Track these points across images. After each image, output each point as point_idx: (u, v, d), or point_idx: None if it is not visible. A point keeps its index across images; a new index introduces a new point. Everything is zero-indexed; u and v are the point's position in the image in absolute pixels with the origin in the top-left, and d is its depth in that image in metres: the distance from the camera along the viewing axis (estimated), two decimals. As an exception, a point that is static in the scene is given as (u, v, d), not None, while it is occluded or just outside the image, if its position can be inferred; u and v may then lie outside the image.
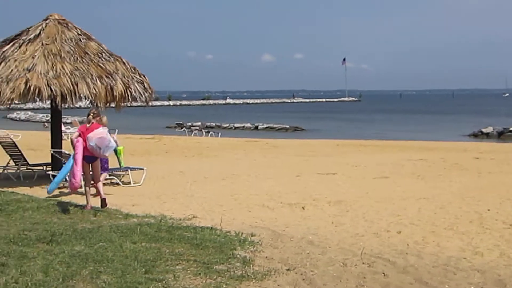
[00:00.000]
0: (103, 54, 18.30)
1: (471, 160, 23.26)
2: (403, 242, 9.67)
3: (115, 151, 15.37)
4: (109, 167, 15.55)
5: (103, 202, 12.06)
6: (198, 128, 58.17)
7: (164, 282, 7.04)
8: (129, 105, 18.80)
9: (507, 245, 9.56)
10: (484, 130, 53.75)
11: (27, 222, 10.25)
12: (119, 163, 16.42)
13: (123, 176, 16.92)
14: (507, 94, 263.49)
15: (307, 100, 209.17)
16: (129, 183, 16.31)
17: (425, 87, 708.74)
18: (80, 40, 18.14)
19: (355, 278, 7.55)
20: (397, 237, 10.07)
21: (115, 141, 14.56)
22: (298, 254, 8.55)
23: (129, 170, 16.86)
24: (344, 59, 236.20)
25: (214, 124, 70.47)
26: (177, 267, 7.64)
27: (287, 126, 69.52)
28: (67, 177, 13.88)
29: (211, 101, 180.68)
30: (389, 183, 16.99)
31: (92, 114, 13.21)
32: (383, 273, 7.82)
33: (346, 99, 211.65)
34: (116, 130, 26.07)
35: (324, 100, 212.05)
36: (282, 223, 11.04)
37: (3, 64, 16.68)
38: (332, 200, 13.77)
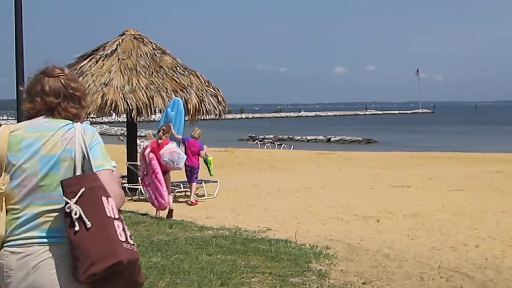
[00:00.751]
0: (178, 68, 18.54)
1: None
2: (481, 256, 9.49)
3: (206, 161, 16.00)
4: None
5: (170, 212, 12.43)
6: (270, 140, 58.16)
7: (240, 295, 7.07)
8: (202, 118, 18.99)
9: None
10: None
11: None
12: (209, 172, 16.84)
13: (197, 189, 17.04)
14: None
15: (380, 112, 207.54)
16: (203, 195, 16.43)
17: (501, 98, 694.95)
18: (155, 55, 18.41)
19: (433, 292, 7.46)
20: (475, 251, 9.89)
21: (206, 153, 15.32)
22: (374, 268, 8.46)
23: (203, 182, 17.02)
24: (418, 70, 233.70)
25: (286, 136, 70.33)
26: (252, 279, 7.62)
27: (360, 138, 69.07)
28: (152, 194, 14.05)
29: (283, 114, 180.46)
30: (465, 195, 16.69)
31: (162, 131, 13.67)
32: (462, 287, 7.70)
33: (419, 110, 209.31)
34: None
35: (397, 112, 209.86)
36: (357, 236, 10.96)
37: (80, 79, 17.01)
38: (407, 213, 13.61)
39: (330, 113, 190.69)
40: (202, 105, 17.90)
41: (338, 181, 20.66)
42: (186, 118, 17.58)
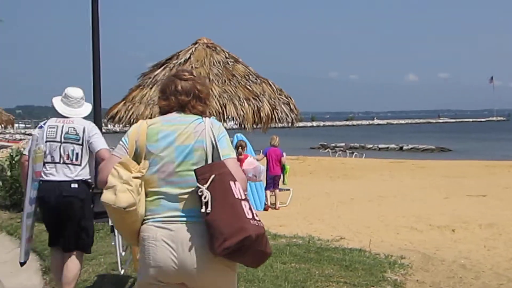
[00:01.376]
0: (250, 77, 18.62)
1: None
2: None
3: (283, 169, 16.36)
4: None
5: None
6: (342, 149, 57.96)
7: (315, 304, 7.07)
8: (273, 126, 19.06)
9: None
10: None
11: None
12: (283, 180, 17.04)
13: (270, 197, 17.11)
14: None
15: (453, 120, 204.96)
16: (275, 208, 16.51)
17: None
18: (228, 63, 18.53)
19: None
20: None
21: (285, 160, 15.76)
22: (450, 278, 8.36)
23: (276, 190, 17.10)
24: (492, 78, 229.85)
25: (358, 145, 69.75)
26: (327, 289, 7.64)
27: (433, 147, 68.04)
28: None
29: (354, 122, 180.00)
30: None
31: (240, 147, 13.89)
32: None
33: (493, 118, 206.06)
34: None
35: (470, 120, 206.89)
36: (432, 246, 10.83)
37: (154, 87, 17.27)
38: (483, 223, 13.39)
39: (402, 121, 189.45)
40: (275, 113, 17.93)
41: (411, 190, 20.48)
42: (259, 126, 17.70)
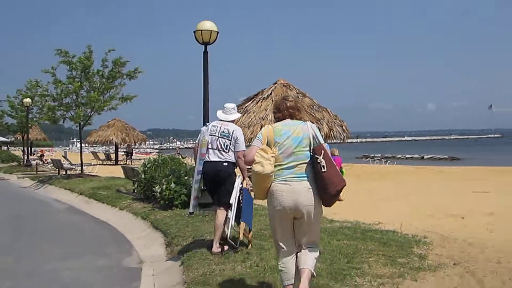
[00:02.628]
0: (314, 106, 18.68)
1: None
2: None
3: (341, 171, 16.44)
4: None
5: None
6: (379, 158, 57.44)
7: (361, 270, 6.96)
8: (329, 141, 18.98)
9: None
10: None
11: (262, 223, 10.41)
12: None
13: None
14: None
15: (461, 137, 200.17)
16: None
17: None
18: (298, 97, 18.58)
19: (508, 272, 7.06)
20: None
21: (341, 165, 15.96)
22: (461, 253, 8.13)
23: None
24: (491, 106, 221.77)
25: (390, 155, 69.31)
26: (370, 259, 7.51)
27: (446, 156, 67.41)
28: None
29: (388, 138, 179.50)
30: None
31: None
32: (532, 270, 7.27)
33: (492, 135, 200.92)
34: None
35: (474, 136, 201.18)
36: (447, 229, 10.56)
37: (245, 115, 17.45)
38: (486, 212, 13.08)
39: (423, 138, 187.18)
40: (331, 132, 17.94)
41: (431, 188, 20.13)
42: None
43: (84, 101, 23.77)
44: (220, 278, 6.86)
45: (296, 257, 5.46)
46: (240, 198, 8.12)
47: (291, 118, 5.55)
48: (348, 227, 10.18)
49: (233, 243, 8.17)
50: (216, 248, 8.02)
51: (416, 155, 71.05)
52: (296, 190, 5.24)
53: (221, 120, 8.38)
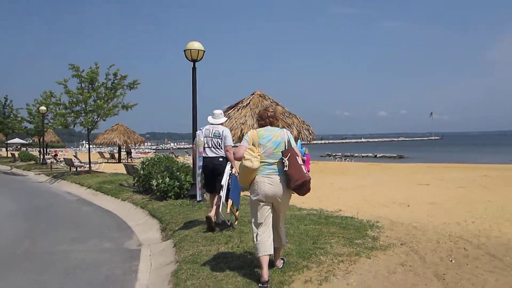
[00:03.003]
0: (285, 113, 18.66)
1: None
2: (476, 229, 9.02)
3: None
4: None
5: None
6: (340, 156, 57.71)
7: (324, 249, 6.97)
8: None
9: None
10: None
11: (243, 211, 10.41)
12: None
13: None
14: None
15: (407, 139, 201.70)
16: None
17: (493, 128, 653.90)
18: (272, 105, 18.58)
19: (446, 250, 7.14)
20: (472, 226, 9.43)
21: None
22: (407, 235, 8.20)
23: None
24: (431, 113, 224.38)
25: (349, 154, 69.71)
26: (331, 240, 7.53)
27: (395, 155, 67.86)
28: None
29: (347, 140, 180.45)
30: (465, 191, 15.99)
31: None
32: (464, 248, 7.34)
33: (433, 138, 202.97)
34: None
35: (418, 138, 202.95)
36: (396, 215, 10.63)
37: (228, 120, 17.39)
38: (427, 201, 13.19)
39: (376, 140, 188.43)
40: (300, 135, 17.93)
41: (383, 182, 20.27)
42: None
43: (92, 109, 23.58)
44: (207, 257, 6.86)
45: (270, 234, 5.80)
46: (229, 181, 8.49)
47: (271, 125, 5.91)
48: (313, 214, 10.21)
49: (226, 220, 8.79)
50: (212, 216, 8.55)
51: (370, 154, 71.41)
52: (275, 182, 5.64)
53: (212, 124, 8.84)
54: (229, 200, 8.55)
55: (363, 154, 70.70)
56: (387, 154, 69.46)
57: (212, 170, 8.67)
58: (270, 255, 5.71)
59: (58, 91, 25.78)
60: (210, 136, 8.68)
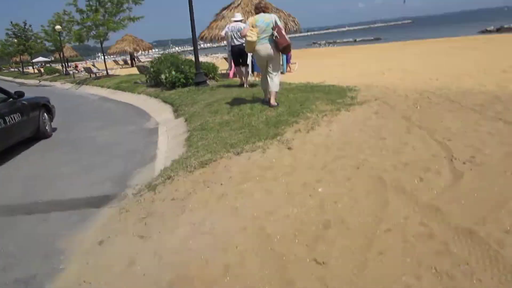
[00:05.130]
0: (273, 8, 17.97)
1: (480, 44, 21.10)
2: (440, 84, 9.10)
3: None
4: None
5: None
6: (324, 43, 56.69)
7: (310, 109, 7.11)
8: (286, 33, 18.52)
9: (501, 82, 8.75)
10: (488, 28, 48.52)
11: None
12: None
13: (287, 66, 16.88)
14: (506, 9, 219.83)
15: (382, 24, 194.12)
16: (289, 71, 16.29)
17: (450, 10, 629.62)
18: (261, 3, 17.85)
19: (412, 100, 7.29)
20: (436, 82, 9.44)
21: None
22: (380, 93, 8.31)
23: (290, 63, 16.81)
24: (404, 1, 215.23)
25: (332, 40, 68.63)
26: (316, 102, 7.63)
27: (372, 38, 66.60)
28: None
29: (330, 30, 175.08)
30: (433, 58, 15.81)
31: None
32: (428, 97, 7.49)
33: (405, 21, 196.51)
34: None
35: (392, 23, 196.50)
36: (371, 81, 10.63)
37: (222, 20, 16.86)
38: (400, 68, 13.12)
39: (356, 28, 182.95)
40: (287, 26, 17.42)
41: (360, 59, 20.00)
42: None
43: (102, 23, 22.88)
44: (213, 124, 7.02)
45: (267, 79, 7.48)
46: (253, 59, 11.18)
47: (264, 12, 7.19)
48: (301, 85, 10.27)
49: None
50: (246, 84, 11.17)
51: (350, 39, 69.97)
52: (268, 47, 7.12)
53: (235, 21, 10.93)
54: (255, 72, 11.73)
55: (344, 40, 69.29)
56: (365, 38, 67.96)
57: (239, 52, 10.69)
58: (266, 90, 7.73)
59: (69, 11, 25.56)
60: (235, 30, 10.51)
